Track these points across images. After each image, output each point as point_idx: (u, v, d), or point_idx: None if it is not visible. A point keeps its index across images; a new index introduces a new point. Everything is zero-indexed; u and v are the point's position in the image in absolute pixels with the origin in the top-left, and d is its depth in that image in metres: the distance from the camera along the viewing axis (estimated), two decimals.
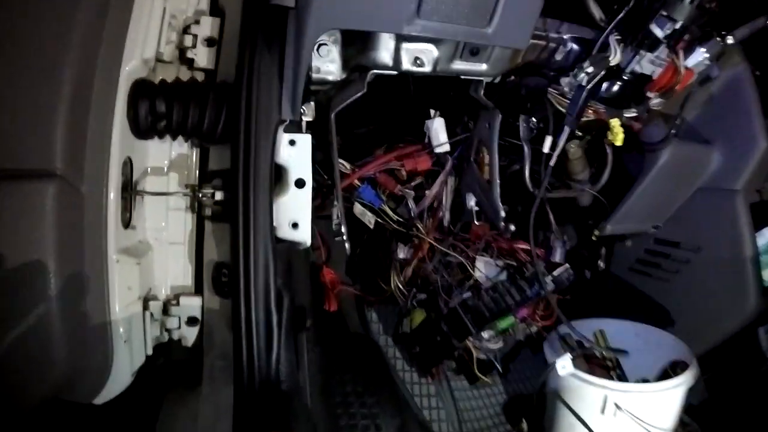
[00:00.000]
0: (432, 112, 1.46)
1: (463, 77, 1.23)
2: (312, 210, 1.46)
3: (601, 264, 1.58)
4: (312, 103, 1.22)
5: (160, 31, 1.11)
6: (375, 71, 1.14)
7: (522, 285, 1.37)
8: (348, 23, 0.98)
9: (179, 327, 1.22)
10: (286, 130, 1.14)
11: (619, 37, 1.16)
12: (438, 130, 1.43)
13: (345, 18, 0.96)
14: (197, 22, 1.17)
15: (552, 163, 1.25)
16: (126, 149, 1.09)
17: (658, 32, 1.13)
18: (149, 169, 1.19)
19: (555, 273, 1.39)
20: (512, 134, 1.36)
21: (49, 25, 0.99)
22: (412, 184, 1.50)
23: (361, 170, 1.42)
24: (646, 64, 1.19)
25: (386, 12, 0.97)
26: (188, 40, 1.17)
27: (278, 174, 1.15)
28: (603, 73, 1.19)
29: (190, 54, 1.17)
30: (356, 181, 1.43)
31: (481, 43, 1.12)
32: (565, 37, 1.25)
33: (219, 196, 1.13)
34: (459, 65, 1.19)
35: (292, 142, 1.14)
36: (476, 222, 1.45)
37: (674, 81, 1.19)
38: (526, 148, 1.31)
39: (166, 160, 1.21)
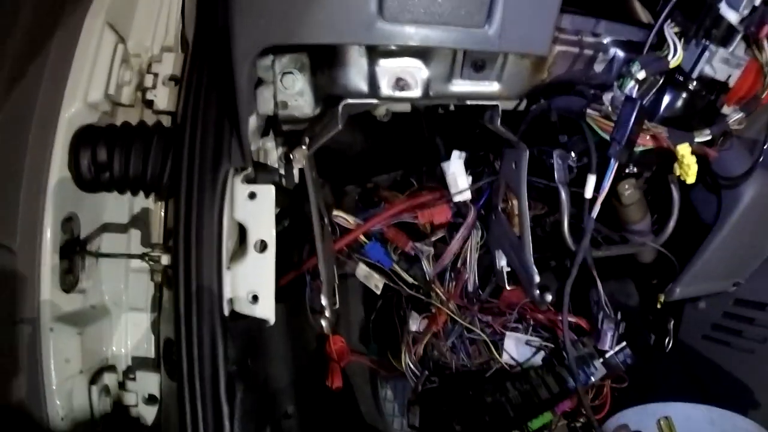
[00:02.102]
0: (455, 152, 1.20)
1: (470, 103, 0.97)
2: (315, 269, 1.30)
3: (669, 341, 1.21)
4: (304, 147, 1.03)
5: (109, 72, 0.98)
6: (348, 101, 0.91)
7: (561, 373, 1.05)
8: (284, 37, 0.75)
9: (137, 404, 1.06)
10: (247, 181, 0.96)
11: (677, 29, 0.85)
12: (456, 174, 1.16)
13: (279, 30, 0.74)
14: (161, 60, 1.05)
15: (594, 212, 0.94)
16: (69, 204, 0.97)
17: (732, 16, 0.81)
18: (105, 226, 1.06)
19: (608, 355, 1.06)
20: (549, 174, 1.06)
21: None
22: (434, 238, 1.24)
23: (365, 224, 1.18)
24: (719, 65, 0.85)
25: (335, 16, 0.73)
26: (149, 80, 1.04)
27: (240, 235, 0.97)
28: (661, 80, 0.88)
29: (149, 95, 1.04)
30: (362, 237, 1.20)
31: (483, 50, 0.86)
32: (605, 41, 0.94)
33: (165, 260, 0.96)
34: (461, 86, 0.94)
35: (252, 195, 0.94)
36: (507, 286, 1.16)
37: (758, 87, 0.85)
38: (563, 193, 1.00)
39: (125, 216, 1.07)
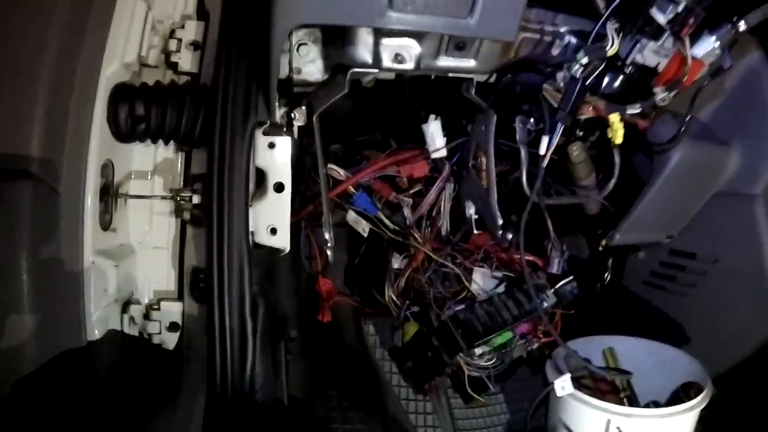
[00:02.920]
0: (432, 116, 1.40)
1: (451, 75, 1.17)
2: (308, 218, 1.48)
3: (607, 276, 1.47)
4: (303, 108, 1.20)
5: (142, 36, 1.12)
6: (355, 70, 1.10)
7: (520, 298, 1.28)
8: (315, 18, 0.94)
9: (160, 332, 1.21)
10: (266, 133, 1.12)
11: (617, 25, 1.07)
12: (434, 135, 1.36)
13: (311, 12, 0.92)
14: (183, 26, 1.18)
15: (544, 164, 1.16)
16: (106, 152, 1.10)
17: (660, 17, 1.03)
18: (133, 172, 1.20)
19: (557, 286, 1.30)
20: (513, 137, 1.28)
21: (26, 29, 1.02)
22: (412, 191, 1.45)
23: (354, 177, 1.37)
24: (650, 54, 1.09)
25: (355, 5, 0.92)
26: (173, 44, 1.18)
27: (258, 178, 1.13)
28: (602, 65, 1.10)
29: (174, 58, 1.18)
30: (351, 188, 1.39)
31: (465, 36, 1.06)
32: (561, 30, 1.16)
33: (196, 199, 1.12)
34: (445, 61, 1.13)
35: (271, 145, 1.11)
36: (475, 231, 1.38)
37: (681, 73, 1.08)
38: (522, 152, 1.23)
39: (150, 163, 1.21)
